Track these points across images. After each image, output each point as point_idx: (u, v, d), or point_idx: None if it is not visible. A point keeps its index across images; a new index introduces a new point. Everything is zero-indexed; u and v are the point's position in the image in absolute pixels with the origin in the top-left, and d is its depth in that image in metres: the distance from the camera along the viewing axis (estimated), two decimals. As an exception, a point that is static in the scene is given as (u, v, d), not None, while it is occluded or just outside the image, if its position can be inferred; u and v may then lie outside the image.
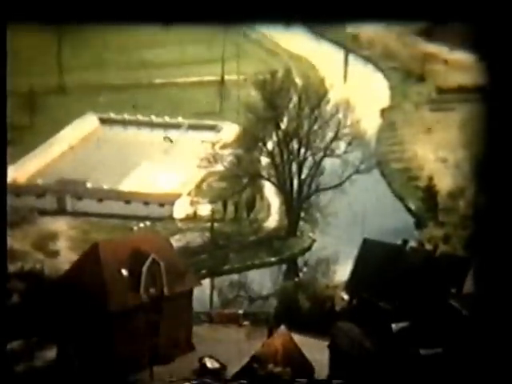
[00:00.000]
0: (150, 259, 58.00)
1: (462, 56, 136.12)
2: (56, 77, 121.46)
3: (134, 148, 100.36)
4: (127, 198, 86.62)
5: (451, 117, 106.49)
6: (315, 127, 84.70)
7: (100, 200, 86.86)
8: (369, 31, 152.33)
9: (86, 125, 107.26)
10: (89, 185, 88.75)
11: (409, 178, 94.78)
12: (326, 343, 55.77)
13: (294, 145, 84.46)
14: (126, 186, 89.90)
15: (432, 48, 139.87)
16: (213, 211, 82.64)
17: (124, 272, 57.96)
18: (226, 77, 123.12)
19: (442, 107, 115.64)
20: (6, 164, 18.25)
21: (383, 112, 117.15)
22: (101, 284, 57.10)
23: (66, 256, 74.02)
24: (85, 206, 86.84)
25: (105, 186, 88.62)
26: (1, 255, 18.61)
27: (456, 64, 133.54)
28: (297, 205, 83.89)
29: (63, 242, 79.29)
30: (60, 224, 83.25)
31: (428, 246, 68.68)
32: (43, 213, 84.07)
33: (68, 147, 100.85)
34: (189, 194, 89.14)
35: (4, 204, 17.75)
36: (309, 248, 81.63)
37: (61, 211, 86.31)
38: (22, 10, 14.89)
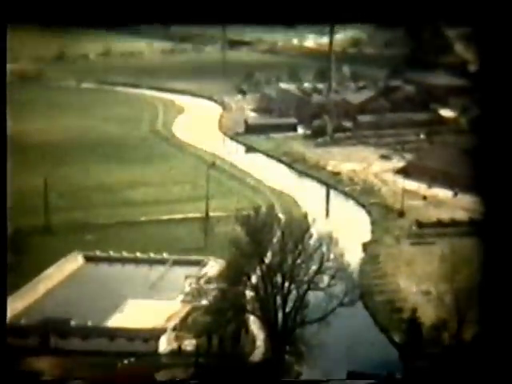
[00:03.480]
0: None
1: (439, 192, 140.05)
2: (42, 217, 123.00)
3: (119, 284, 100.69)
4: (112, 334, 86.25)
5: (432, 250, 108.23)
6: (299, 261, 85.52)
7: (84, 338, 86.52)
8: (349, 168, 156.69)
9: (71, 263, 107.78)
10: (73, 323, 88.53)
11: (392, 310, 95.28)
12: None
13: (278, 278, 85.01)
14: (111, 322, 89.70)
15: (410, 185, 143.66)
16: (197, 346, 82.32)
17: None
18: (211, 213, 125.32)
19: (423, 241, 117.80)
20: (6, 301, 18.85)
21: (365, 246, 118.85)
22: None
23: (49, 395, 73.02)
24: (69, 344, 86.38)
25: (89, 323, 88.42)
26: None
27: (434, 200, 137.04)
28: (282, 338, 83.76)
29: (46, 382, 78.28)
30: (43, 363, 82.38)
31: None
32: (26, 353, 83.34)
33: (52, 286, 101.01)
34: (174, 328, 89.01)
35: (5, 344, 18.24)
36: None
37: (44, 350, 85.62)
38: (22, 13, 15.48)
